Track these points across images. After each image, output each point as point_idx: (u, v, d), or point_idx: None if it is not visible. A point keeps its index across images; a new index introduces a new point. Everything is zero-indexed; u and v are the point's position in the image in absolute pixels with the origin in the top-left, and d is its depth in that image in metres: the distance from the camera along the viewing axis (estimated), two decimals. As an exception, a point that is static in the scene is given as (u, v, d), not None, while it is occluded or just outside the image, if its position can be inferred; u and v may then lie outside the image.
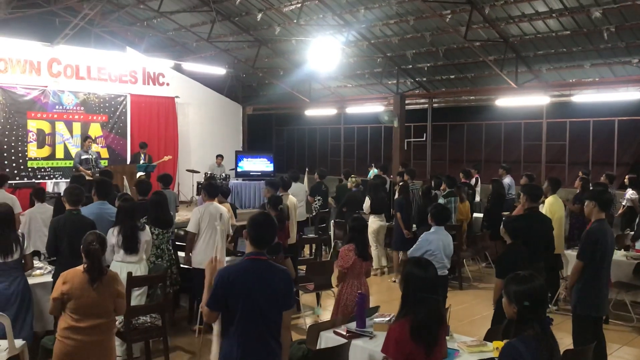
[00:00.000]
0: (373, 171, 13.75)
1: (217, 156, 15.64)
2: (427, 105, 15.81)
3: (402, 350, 3.16)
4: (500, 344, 4.02)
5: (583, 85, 12.64)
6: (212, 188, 7.15)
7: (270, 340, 3.38)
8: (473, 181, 12.23)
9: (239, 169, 16.34)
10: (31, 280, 5.65)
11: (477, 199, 12.11)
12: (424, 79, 14.88)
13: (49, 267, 6.09)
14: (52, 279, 5.59)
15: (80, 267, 4.16)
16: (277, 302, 3.40)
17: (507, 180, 11.91)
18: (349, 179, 11.18)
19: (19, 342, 4.88)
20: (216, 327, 3.60)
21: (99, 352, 4.15)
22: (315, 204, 11.46)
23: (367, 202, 10.00)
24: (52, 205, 7.65)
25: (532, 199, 6.41)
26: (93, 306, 4.09)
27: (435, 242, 5.96)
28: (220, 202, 7.42)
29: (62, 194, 6.05)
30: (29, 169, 13.87)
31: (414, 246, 6.17)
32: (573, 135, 14.03)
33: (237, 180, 15.94)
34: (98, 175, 9.69)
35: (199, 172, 15.54)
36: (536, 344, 2.86)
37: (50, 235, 5.62)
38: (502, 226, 5.42)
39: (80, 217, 5.75)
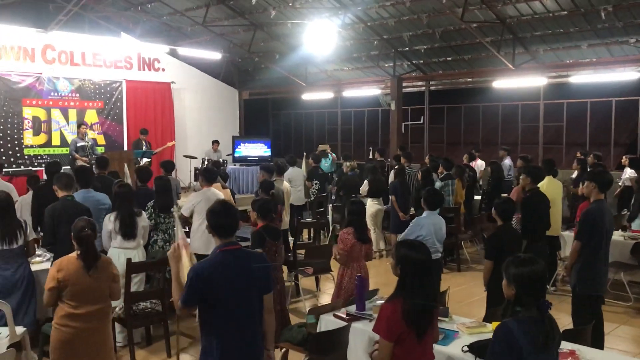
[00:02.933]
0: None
1: (213, 142, 15.61)
2: (424, 88, 15.75)
3: (393, 330, 3.15)
4: (499, 325, 4.05)
5: (580, 66, 12.60)
6: (210, 173, 7.14)
7: (253, 328, 3.37)
8: (478, 163, 12.27)
9: (236, 154, 16.32)
10: (32, 268, 5.66)
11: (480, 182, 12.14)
12: (421, 61, 14.81)
13: (48, 255, 6.09)
14: (48, 267, 5.59)
15: (74, 254, 4.14)
16: (257, 288, 3.39)
17: (507, 161, 11.92)
18: (344, 163, 11.18)
19: (19, 329, 4.90)
20: None
21: (97, 339, 4.15)
22: (313, 189, 11.47)
23: (364, 185, 10.01)
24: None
25: (534, 179, 6.48)
26: (89, 292, 4.09)
27: (427, 227, 5.93)
28: (221, 187, 7.42)
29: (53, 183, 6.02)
30: (25, 157, 13.83)
31: (406, 231, 6.17)
32: (570, 116, 14.01)
33: (234, 165, 15.92)
34: (95, 162, 9.65)
35: (196, 158, 15.52)
36: (532, 326, 2.86)
37: (47, 223, 5.60)
38: (493, 208, 5.44)
39: (75, 202, 5.74)
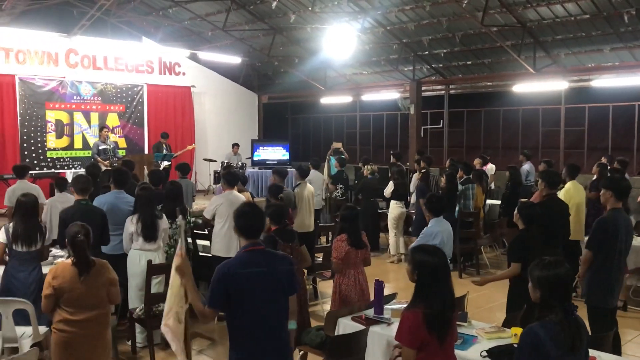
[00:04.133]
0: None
1: (233, 145, 15.70)
2: (443, 92, 15.70)
3: (416, 338, 3.16)
4: (518, 330, 4.02)
5: (602, 69, 12.46)
6: (232, 177, 7.17)
7: (281, 327, 3.40)
8: (488, 167, 12.16)
9: (255, 158, 16.40)
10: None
11: (492, 185, 12.05)
12: (441, 65, 14.76)
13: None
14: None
15: (69, 261, 4.08)
16: (283, 289, 3.40)
17: (527, 166, 11.80)
18: (364, 167, 11.17)
19: (42, 329, 4.99)
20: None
21: (95, 345, 4.09)
22: (337, 192, 11.45)
23: (389, 187, 9.98)
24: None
25: (550, 185, 6.35)
26: (85, 298, 4.00)
27: (439, 236, 5.73)
28: (240, 191, 7.45)
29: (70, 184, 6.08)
30: (49, 159, 14.05)
31: (417, 241, 5.97)
32: (592, 120, 13.85)
33: (253, 169, 16.00)
34: (118, 165, 9.74)
35: (215, 161, 15.62)
36: (558, 330, 2.85)
37: (60, 227, 5.64)
38: (515, 211, 5.38)
39: (90, 206, 5.78)
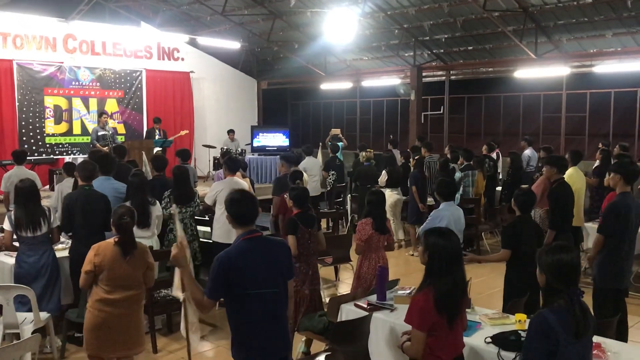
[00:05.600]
0: None
1: (229, 131, 15.45)
2: (444, 78, 15.61)
3: (426, 320, 3.16)
4: (522, 316, 4.01)
5: (604, 55, 12.39)
6: (233, 162, 7.14)
7: (282, 313, 3.39)
8: (494, 155, 12.14)
9: (254, 144, 16.34)
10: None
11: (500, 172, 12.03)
12: (442, 50, 14.67)
13: (69, 242, 6.15)
14: (68, 254, 5.66)
15: (111, 240, 4.19)
16: (282, 274, 3.40)
17: (528, 152, 11.77)
18: (360, 154, 11.12)
19: (44, 315, 5.00)
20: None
21: (129, 324, 4.21)
22: (330, 179, 11.44)
23: (383, 176, 9.96)
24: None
25: (561, 170, 6.39)
26: (125, 278, 4.14)
27: (446, 218, 5.83)
28: (242, 177, 7.44)
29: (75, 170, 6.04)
30: (47, 145, 13.97)
31: (425, 224, 6.12)
32: (593, 106, 13.81)
33: (252, 155, 15.94)
34: (113, 150, 9.69)
35: (215, 147, 15.55)
36: (566, 315, 2.84)
37: (63, 212, 5.66)
38: (512, 199, 5.37)
39: (92, 191, 5.77)
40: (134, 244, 4.23)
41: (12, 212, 5.30)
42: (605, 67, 12.51)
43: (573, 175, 7.42)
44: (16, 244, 5.36)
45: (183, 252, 3.48)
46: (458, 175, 9.54)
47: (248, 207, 3.38)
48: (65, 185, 7.32)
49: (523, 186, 9.78)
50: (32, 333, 4.53)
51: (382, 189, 9.49)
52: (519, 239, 5.00)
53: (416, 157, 10.23)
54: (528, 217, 5.24)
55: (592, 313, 5.29)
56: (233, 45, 15.71)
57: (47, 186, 12.31)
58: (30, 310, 4.92)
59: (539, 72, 13.14)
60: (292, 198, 5.52)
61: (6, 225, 5.30)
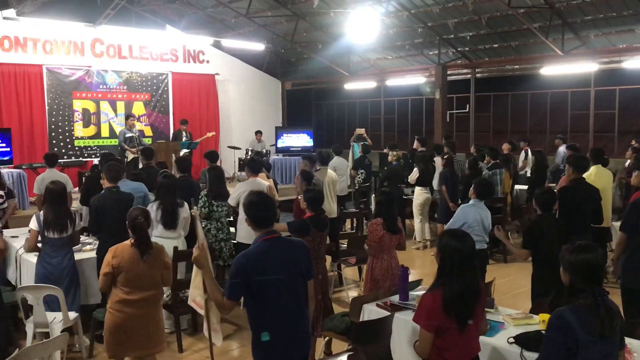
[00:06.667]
0: None
1: (256, 132, 15.71)
2: (469, 76, 15.47)
3: (433, 320, 3.14)
4: (546, 316, 3.95)
5: (634, 50, 12.13)
6: (255, 164, 7.20)
7: (302, 314, 3.40)
8: (522, 154, 11.99)
9: (279, 145, 16.41)
10: (82, 255, 5.84)
11: (528, 171, 11.84)
12: (467, 48, 14.53)
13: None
14: (95, 255, 5.74)
15: (128, 242, 4.26)
16: (302, 275, 3.40)
17: (562, 149, 11.56)
18: (390, 153, 11.09)
19: (72, 315, 5.09)
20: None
21: (149, 323, 4.28)
22: (359, 177, 11.44)
23: (414, 174, 9.91)
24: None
25: (577, 169, 6.26)
26: (142, 278, 4.21)
27: (472, 215, 5.86)
28: (265, 178, 7.48)
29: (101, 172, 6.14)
30: (76, 148, 14.26)
31: (451, 219, 6.10)
32: (623, 103, 13.54)
33: (277, 155, 16.01)
34: (140, 152, 9.81)
35: (240, 149, 15.67)
36: (587, 314, 2.79)
37: (92, 214, 5.74)
38: (533, 198, 5.30)
39: (120, 193, 5.86)
40: (150, 244, 4.30)
41: (41, 212, 5.40)
42: (635, 63, 12.25)
43: (595, 174, 7.29)
44: (38, 244, 5.44)
45: (204, 253, 3.52)
46: (486, 173, 9.45)
47: (266, 209, 3.40)
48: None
49: (552, 184, 9.70)
50: (61, 332, 4.62)
51: (410, 186, 9.44)
52: (539, 239, 4.94)
53: (445, 157, 10.14)
54: (550, 216, 5.17)
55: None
56: (257, 46, 15.82)
57: (77, 188, 12.55)
58: (52, 310, 5.02)
59: (566, 68, 12.94)
60: (306, 200, 5.45)
61: (33, 225, 5.38)
